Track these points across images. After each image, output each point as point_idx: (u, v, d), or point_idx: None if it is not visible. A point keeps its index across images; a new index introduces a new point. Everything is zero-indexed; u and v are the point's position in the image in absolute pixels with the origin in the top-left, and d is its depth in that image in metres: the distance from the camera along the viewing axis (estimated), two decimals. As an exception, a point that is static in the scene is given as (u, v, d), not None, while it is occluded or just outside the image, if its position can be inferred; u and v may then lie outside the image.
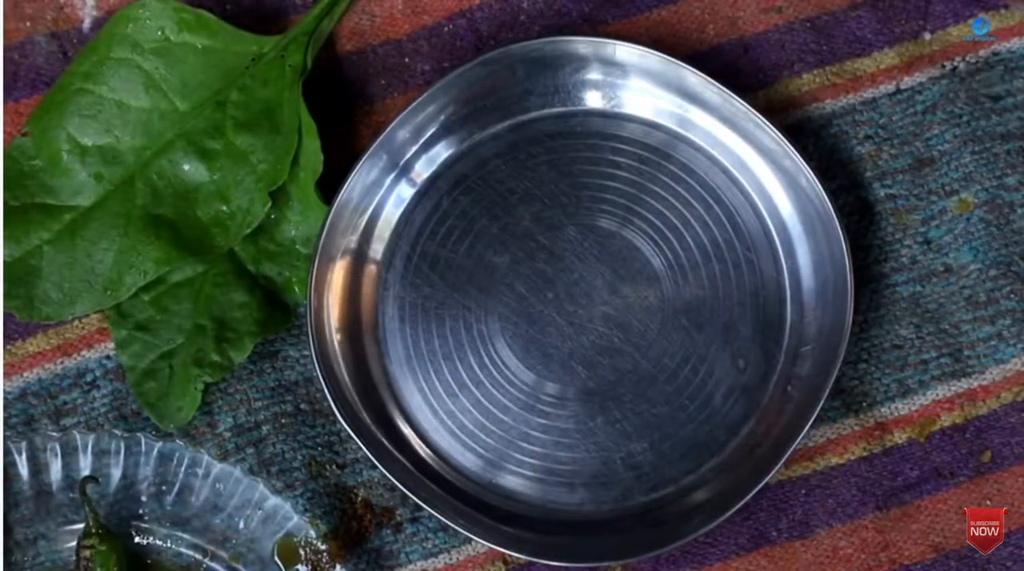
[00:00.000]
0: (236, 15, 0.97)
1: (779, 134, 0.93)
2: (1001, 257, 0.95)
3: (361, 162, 0.93)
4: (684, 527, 0.91)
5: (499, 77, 0.95)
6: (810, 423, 0.91)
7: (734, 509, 0.90)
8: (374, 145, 0.94)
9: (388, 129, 0.94)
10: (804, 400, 0.93)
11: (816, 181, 0.93)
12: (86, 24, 0.97)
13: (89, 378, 0.95)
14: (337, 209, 0.93)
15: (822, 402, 0.91)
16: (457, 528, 0.91)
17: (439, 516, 0.91)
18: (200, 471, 0.92)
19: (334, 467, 0.95)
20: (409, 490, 0.91)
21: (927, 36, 0.97)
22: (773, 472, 0.91)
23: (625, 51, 0.94)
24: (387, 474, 0.91)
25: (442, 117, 0.95)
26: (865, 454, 0.95)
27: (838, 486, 0.95)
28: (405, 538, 0.94)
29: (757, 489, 0.90)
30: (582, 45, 0.94)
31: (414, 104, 0.94)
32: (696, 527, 0.91)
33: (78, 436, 0.92)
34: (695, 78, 0.94)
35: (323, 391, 0.93)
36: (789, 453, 0.91)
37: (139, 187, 0.94)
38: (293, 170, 0.94)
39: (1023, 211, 0.96)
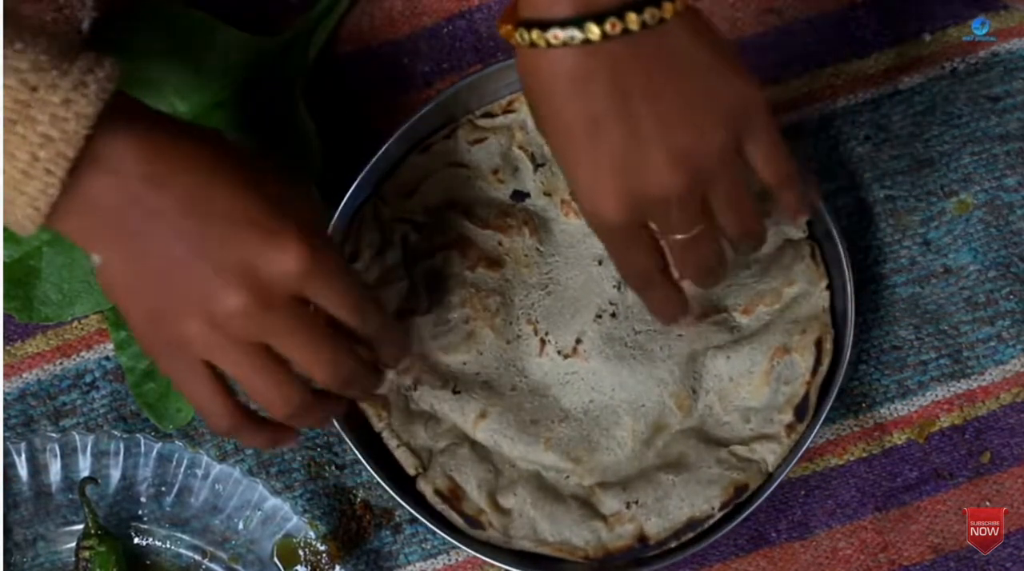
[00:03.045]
0: (236, 16, 0.97)
1: (778, 135, 0.93)
2: (1000, 258, 0.95)
3: (354, 185, 0.93)
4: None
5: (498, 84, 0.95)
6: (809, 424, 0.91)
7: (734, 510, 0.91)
8: (365, 169, 0.93)
9: (383, 148, 0.93)
10: (803, 401, 0.93)
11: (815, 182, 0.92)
12: (85, 25, 0.97)
13: (88, 379, 0.95)
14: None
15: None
16: (449, 539, 0.90)
17: (429, 525, 0.90)
18: (199, 472, 0.92)
19: (333, 468, 0.95)
20: (400, 497, 0.90)
21: (927, 37, 0.97)
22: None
23: (624, 52, 0.94)
24: (379, 480, 0.90)
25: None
26: (864, 455, 0.95)
27: (837, 487, 0.95)
28: (404, 539, 0.94)
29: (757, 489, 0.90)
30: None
31: (404, 127, 0.93)
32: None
33: (77, 437, 0.92)
34: (694, 79, 0.94)
35: (322, 392, 0.93)
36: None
37: (138, 188, 0.94)
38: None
39: (1022, 212, 0.96)
